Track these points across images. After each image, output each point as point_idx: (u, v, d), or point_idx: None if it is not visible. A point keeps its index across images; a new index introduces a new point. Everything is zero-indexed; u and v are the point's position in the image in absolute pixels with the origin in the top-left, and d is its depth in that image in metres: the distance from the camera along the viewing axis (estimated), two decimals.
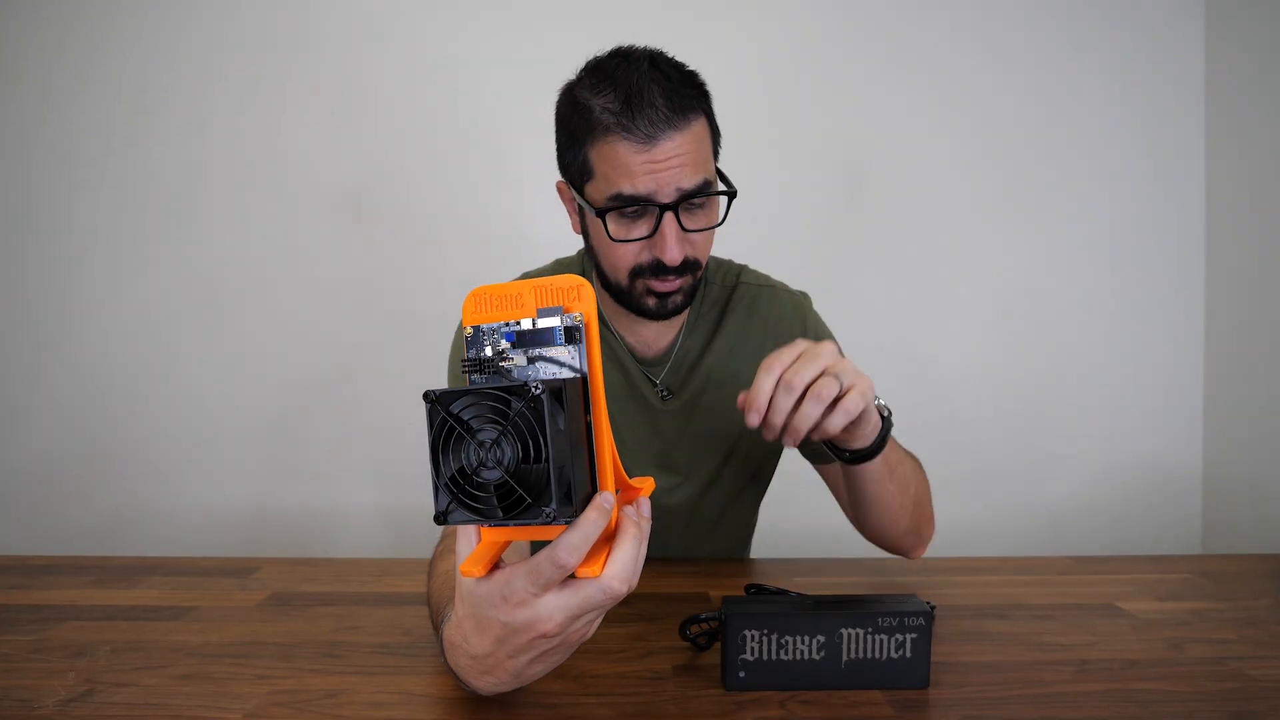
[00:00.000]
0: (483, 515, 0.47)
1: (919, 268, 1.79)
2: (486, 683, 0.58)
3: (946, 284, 1.79)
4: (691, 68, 0.89)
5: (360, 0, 1.76)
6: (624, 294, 0.91)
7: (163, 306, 1.78)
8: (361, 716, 0.62)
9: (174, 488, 1.79)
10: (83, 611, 0.86)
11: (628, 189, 0.84)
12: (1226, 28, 1.73)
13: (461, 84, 1.77)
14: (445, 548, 0.78)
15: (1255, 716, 0.62)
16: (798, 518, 1.37)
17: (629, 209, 0.85)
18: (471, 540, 0.52)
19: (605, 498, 0.49)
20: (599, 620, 0.54)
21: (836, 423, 0.73)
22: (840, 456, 0.83)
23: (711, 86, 0.91)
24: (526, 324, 0.50)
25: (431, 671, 0.70)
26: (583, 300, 0.50)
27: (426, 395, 0.47)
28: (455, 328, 1.03)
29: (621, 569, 0.50)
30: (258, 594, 0.92)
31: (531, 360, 0.50)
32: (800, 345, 0.75)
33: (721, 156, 0.94)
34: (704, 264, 0.91)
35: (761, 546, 1.16)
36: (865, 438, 0.80)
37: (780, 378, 0.72)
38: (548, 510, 0.46)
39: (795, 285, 1.12)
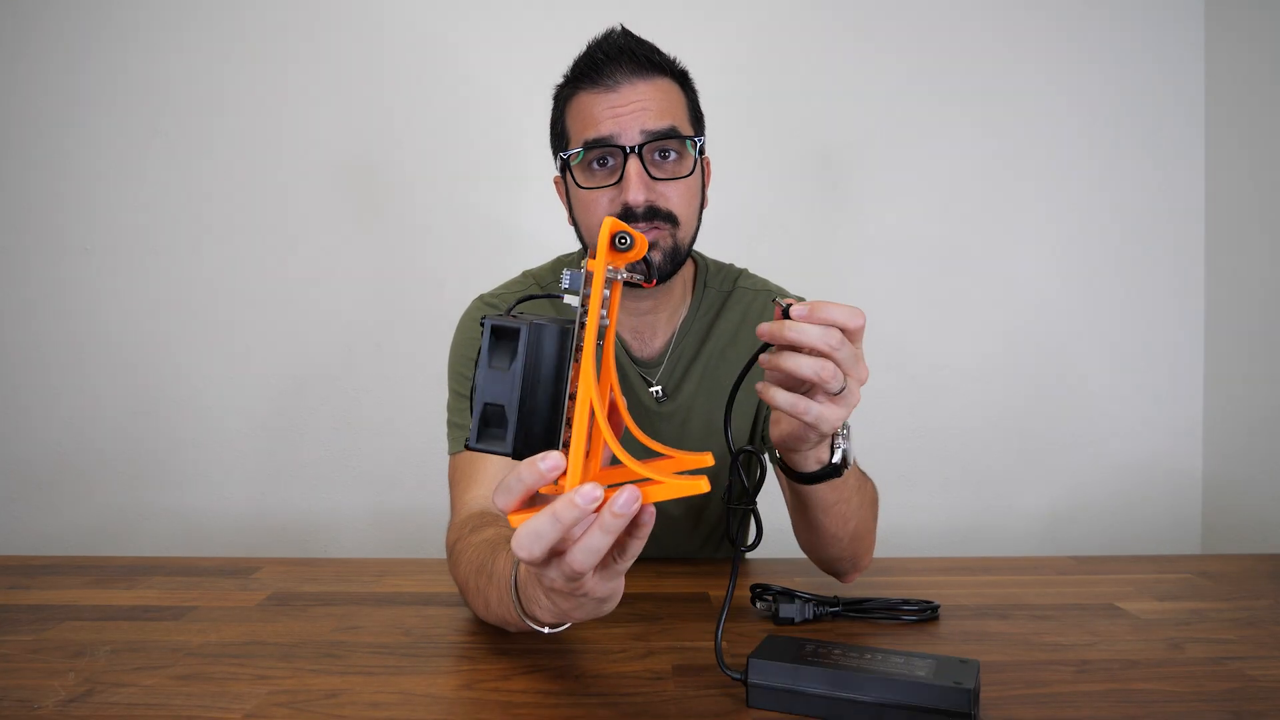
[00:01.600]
0: None
1: (918, 269, 1.79)
2: (535, 595, 0.60)
3: (946, 285, 1.79)
4: (678, 59, 0.93)
5: None
6: None
7: (162, 306, 1.78)
8: (361, 716, 0.62)
9: (174, 488, 1.79)
10: (83, 611, 0.86)
11: (591, 134, 0.87)
12: (1226, 28, 1.73)
13: (465, 80, 1.77)
14: (475, 525, 0.79)
15: (1255, 716, 0.62)
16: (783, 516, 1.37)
17: (595, 155, 0.88)
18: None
19: (546, 457, 0.48)
20: (592, 584, 0.52)
21: (804, 412, 0.65)
22: (780, 466, 0.79)
23: (706, 85, 0.92)
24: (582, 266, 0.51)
25: (431, 671, 0.70)
26: (600, 252, 0.49)
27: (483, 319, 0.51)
28: (458, 322, 1.03)
29: (522, 534, 0.48)
30: (258, 594, 0.92)
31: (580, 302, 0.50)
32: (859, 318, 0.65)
33: (712, 160, 0.95)
34: (682, 222, 0.90)
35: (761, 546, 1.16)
36: (808, 462, 0.75)
37: (828, 348, 0.63)
38: (467, 437, 0.50)
39: (792, 286, 1.12)
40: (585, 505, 0.47)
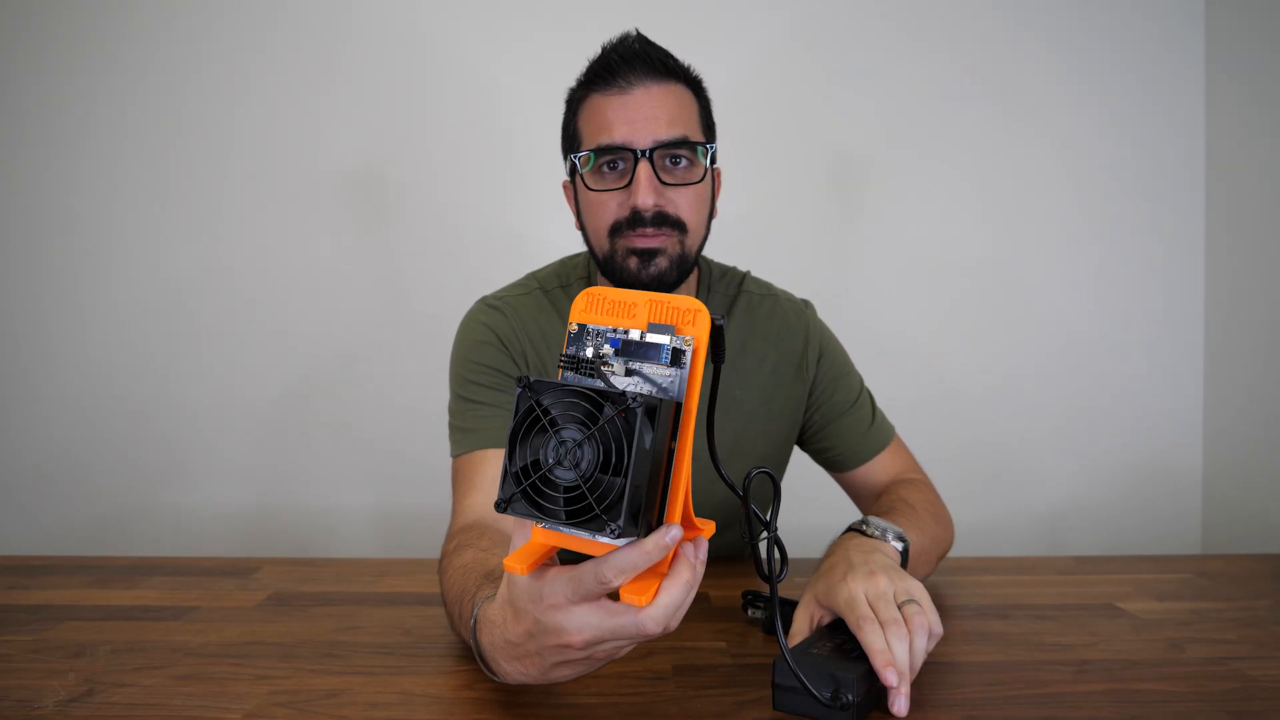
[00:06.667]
0: (544, 515, 0.46)
1: (918, 268, 1.78)
2: (515, 669, 0.57)
3: (946, 284, 1.79)
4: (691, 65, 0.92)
5: None
6: (610, 263, 0.90)
7: (162, 306, 1.78)
8: (361, 716, 0.62)
9: (174, 488, 1.79)
10: (83, 611, 0.86)
11: (604, 139, 0.88)
12: (1226, 26, 1.73)
13: (473, 85, 1.76)
14: (460, 543, 0.78)
15: (1255, 716, 0.62)
16: (798, 516, 1.37)
17: (606, 160, 0.88)
18: (527, 535, 0.52)
19: (672, 530, 0.47)
20: (629, 648, 0.53)
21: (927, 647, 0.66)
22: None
23: (720, 89, 0.91)
24: (635, 335, 0.49)
25: (431, 671, 0.70)
26: (697, 325, 0.48)
27: (520, 379, 0.47)
28: (460, 324, 1.02)
29: (662, 610, 0.48)
30: (258, 594, 0.92)
31: (630, 373, 0.49)
32: (858, 583, 0.68)
33: (727, 164, 0.94)
34: (689, 228, 0.90)
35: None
36: None
37: (885, 629, 0.64)
38: (613, 526, 0.44)
39: (792, 285, 1.11)
40: (699, 566, 0.49)
